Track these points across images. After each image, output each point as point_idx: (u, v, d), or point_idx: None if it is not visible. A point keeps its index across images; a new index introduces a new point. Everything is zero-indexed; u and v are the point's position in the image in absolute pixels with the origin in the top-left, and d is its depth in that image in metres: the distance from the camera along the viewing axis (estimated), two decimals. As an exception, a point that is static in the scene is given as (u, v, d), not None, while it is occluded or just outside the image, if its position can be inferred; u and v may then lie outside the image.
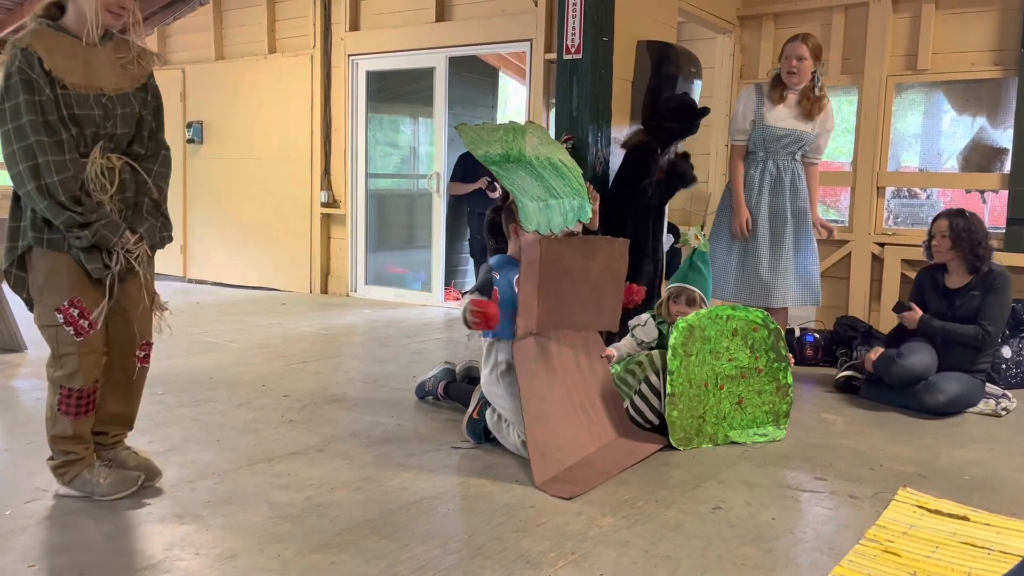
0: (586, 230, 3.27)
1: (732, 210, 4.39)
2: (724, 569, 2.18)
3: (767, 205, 4.30)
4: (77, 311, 2.42)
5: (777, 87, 4.27)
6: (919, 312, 3.99)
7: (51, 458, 2.54)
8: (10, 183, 2.42)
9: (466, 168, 6.83)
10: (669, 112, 4.06)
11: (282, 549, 2.23)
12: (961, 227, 3.91)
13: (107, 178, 2.43)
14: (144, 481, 2.60)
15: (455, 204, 7.13)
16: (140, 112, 2.54)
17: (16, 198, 2.44)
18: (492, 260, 3.24)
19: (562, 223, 2.98)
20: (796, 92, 4.26)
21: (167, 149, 2.65)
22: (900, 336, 4.19)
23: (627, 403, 3.34)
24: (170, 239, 2.65)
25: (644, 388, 3.33)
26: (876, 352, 3.99)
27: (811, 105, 4.22)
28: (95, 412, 2.55)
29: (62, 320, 2.41)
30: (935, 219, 4.07)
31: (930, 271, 4.13)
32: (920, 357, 3.86)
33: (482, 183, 6.75)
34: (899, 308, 4.08)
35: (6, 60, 2.34)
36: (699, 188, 5.89)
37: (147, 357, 2.65)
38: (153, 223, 2.56)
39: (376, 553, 2.22)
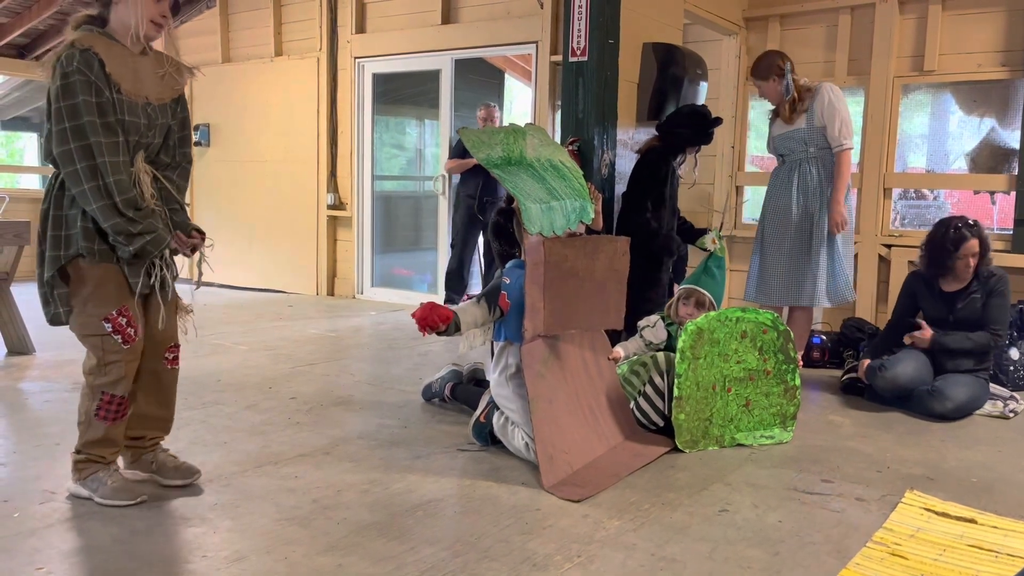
0: (589, 230, 3.28)
1: None
2: (730, 572, 2.18)
3: (771, 204, 4.47)
4: (125, 319, 2.47)
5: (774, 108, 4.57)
6: (929, 331, 3.88)
7: (77, 451, 2.58)
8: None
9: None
10: (681, 117, 4.07)
11: (289, 551, 2.24)
12: (986, 241, 3.87)
13: (151, 187, 2.48)
14: (185, 482, 2.68)
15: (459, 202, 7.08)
16: (170, 123, 2.59)
17: (58, 207, 2.44)
18: (507, 265, 3.25)
19: (565, 224, 2.98)
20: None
21: (189, 162, 2.69)
22: (888, 343, 4.16)
23: (631, 404, 3.34)
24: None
25: (648, 390, 3.33)
26: (864, 365, 3.99)
27: (789, 107, 4.40)
28: (128, 417, 2.60)
29: (110, 329, 2.45)
30: (961, 241, 3.80)
31: (922, 275, 4.08)
32: (904, 367, 3.82)
33: None
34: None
35: (61, 61, 2.34)
36: (703, 189, 5.89)
37: (176, 359, 2.72)
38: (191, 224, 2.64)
39: (383, 555, 2.22)
